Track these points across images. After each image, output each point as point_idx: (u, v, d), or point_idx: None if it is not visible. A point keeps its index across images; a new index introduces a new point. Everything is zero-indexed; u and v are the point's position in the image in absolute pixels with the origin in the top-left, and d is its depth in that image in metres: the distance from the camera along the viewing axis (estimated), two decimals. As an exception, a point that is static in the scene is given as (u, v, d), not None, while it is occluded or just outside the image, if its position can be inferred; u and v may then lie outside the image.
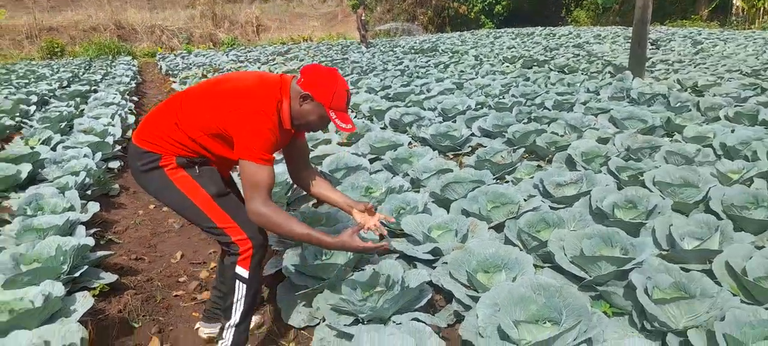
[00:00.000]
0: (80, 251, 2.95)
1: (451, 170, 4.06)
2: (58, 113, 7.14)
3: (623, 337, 2.23)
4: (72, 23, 25.95)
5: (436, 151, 5.06)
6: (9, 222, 3.60)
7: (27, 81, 12.06)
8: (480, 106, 6.99)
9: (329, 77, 2.14)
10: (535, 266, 2.72)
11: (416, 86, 8.68)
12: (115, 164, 5.46)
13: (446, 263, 2.74)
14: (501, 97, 7.65)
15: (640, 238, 2.84)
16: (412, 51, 17.33)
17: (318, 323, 2.58)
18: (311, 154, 4.73)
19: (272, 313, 2.77)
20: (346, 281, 2.47)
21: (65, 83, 11.86)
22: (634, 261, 2.52)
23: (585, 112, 6.23)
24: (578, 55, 13.15)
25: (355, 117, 6.97)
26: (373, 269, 2.54)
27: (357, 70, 12.15)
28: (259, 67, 13.57)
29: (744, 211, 3.05)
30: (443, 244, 2.94)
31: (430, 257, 2.91)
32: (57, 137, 5.87)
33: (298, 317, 2.62)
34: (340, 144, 5.28)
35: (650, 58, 11.06)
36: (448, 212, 3.50)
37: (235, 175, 2.67)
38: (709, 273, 2.50)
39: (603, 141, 4.85)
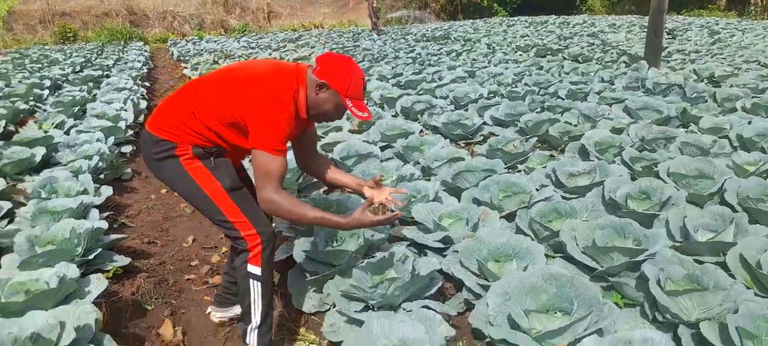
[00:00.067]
0: (94, 234, 2.98)
1: (463, 159, 4.05)
2: (71, 98, 7.19)
3: (634, 328, 2.22)
4: (84, 8, 26.03)
5: (448, 140, 5.04)
6: (24, 204, 3.64)
7: (40, 66, 12.14)
8: (492, 94, 6.94)
9: (345, 65, 2.12)
10: (547, 256, 2.71)
11: (428, 74, 8.64)
12: (127, 149, 5.50)
13: (457, 251, 2.74)
14: (514, 86, 7.59)
15: (653, 229, 2.82)
16: (424, 39, 17.24)
17: (328, 309, 2.59)
18: (322, 142, 4.74)
19: (283, 298, 2.78)
20: (356, 267, 2.47)
21: (78, 68, 11.93)
22: (646, 252, 2.50)
23: (599, 101, 6.17)
24: (593, 44, 13.01)
25: (367, 104, 6.95)
26: (384, 256, 2.54)
27: (368, 57, 12.11)
28: (269, 54, 13.57)
29: (760, 203, 3.01)
30: (454, 232, 2.94)
31: (441, 246, 2.91)
32: (70, 122, 5.92)
33: (308, 303, 2.64)
34: (351, 131, 5.27)
35: (666, 47, 10.91)
36: (459, 200, 3.49)
37: (245, 162, 2.67)
38: (723, 266, 2.48)
39: (617, 131, 4.80)
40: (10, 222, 3.43)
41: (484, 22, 24.46)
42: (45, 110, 6.71)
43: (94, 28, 24.46)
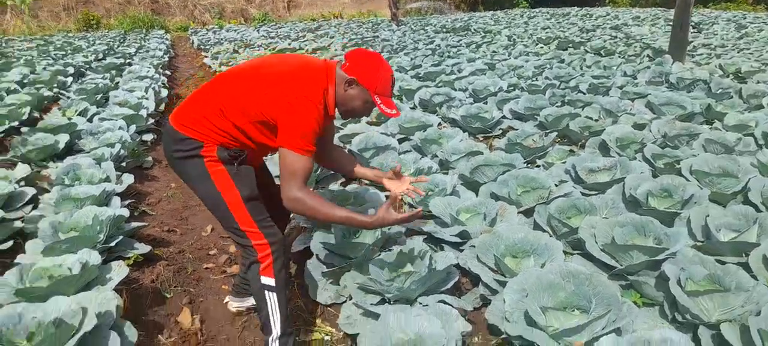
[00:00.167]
0: (116, 222, 3.03)
1: (481, 153, 4.03)
2: (93, 85, 7.30)
3: (653, 328, 2.19)
4: (108, -4, 26.37)
5: (466, 133, 5.01)
6: (48, 191, 3.71)
7: (64, 53, 12.34)
8: (512, 87, 6.88)
9: (374, 62, 2.11)
10: (565, 252, 2.68)
11: (447, 66, 8.58)
12: (148, 137, 5.56)
13: (474, 246, 2.73)
14: (534, 79, 7.51)
15: (674, 228, 2.78)
16: (444, 30, 17.13)
17: (345, 301, 2.60)
18: (340, 133, 4.75)
19: (299, 289, 2.80)
20: (373, 260, 2.48)
21: (101, 56, 12.11)
22: (667, 251, 2.47)
23: (621, 96, 6.08)
24: (615, 37, 12.81)
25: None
26: (401, 249, 2.54)
27: (387, 48, 12.07)
28: (289, 44, 13.59)
29: (785, 203, 2.95)
30: (471, 227, 2.93)
31: (458, 240, 2.90)
32: (93, 109, 6.01)
33: (324, 294, 2.65)
34: (370, 123, 5.27)
35: (691, 41, 10.70)
36: (476, 195, 3.47)
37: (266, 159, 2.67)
38: (745, 266, 2.44)
39: (639, 127, 4.73)
40: (34, 208, 3.51)
41: (504, 14, 24.23)
42: (68, 98, 6.82)
43: (117, 15, 24.80)
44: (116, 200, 3.46)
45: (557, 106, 5.49)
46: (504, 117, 5.55)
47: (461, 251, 2.83)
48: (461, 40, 13.39)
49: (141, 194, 4.24)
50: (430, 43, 12.61)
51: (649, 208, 3.04)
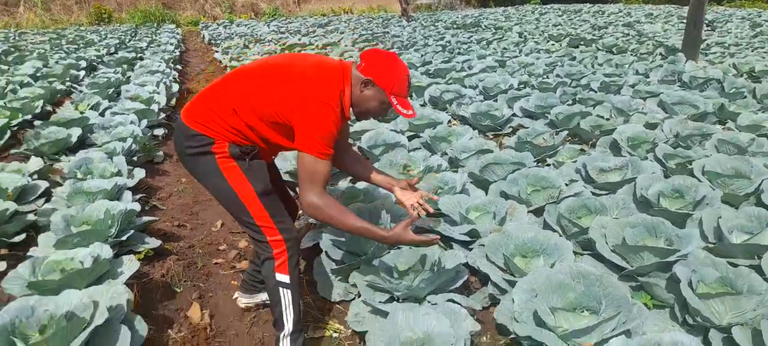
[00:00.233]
0: (127, 216, 3.05)
1: (491, 151, 4.01)
2: (105, 80, 7.35)
3: (663, 330, 2.19)
4: (119, -10, 26.51)
5: (476, 131, 5.00)
6: (60, 184, 3.74)
7: (76, 46, 12.44)
8: (523, 85, 6.85)
9: (390, 62, 2.08)
10: (575, 253, 2.67)
11: (457, 63, 8.56)
12: (159, 132, 5.60)
13: (483, 245, 2.72)
14: (545, 76, 7.47)
15: (686, 229, 2.76)
16: (454, 26, 17.07)
17: (353, 298, 2.61)
18: (350, 129, 4.74)
19: (308, 286, 2.81)
20: (382, 258, 2.48)
21: (112, 49, 12.18)
22: (678, 253, 2.45)
23: (633, 95, 6.04)
24: (628, 34, 12.71)
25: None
26: (410, 247, 2.54)
27: (398, 44, 12.05)
28: (299, 39, 13.60)
29: (799, 206, 2.92)
30: (480, 226, 2.92)
31: (467, 239, 2.90)
32: (105, 103, 6.06)
33: (333, 291, 2.66)
34: (379, 120, 5.26)
35: (705, 40, 10.59)
36: (486, 193, 3.47)
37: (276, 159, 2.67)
38: (758, 269, 2.41)
39: (651, 126, 4.69)
40: (46, 201, 3.54)
41: (515, 10, 24.10)
42: (81, 91, 6.87)
43: (128, 9, 24.93)
44: (127, 195, 3.49)
45: (568, 105, 5.45)
46: (514, 115, 5.53)
47: (470, 249, 2.82)
48: (472, 36, 13.34)
49: (152, 188, 4.27)
50: (440, 40, 12.57)
51: (661, 209, 3.02)
